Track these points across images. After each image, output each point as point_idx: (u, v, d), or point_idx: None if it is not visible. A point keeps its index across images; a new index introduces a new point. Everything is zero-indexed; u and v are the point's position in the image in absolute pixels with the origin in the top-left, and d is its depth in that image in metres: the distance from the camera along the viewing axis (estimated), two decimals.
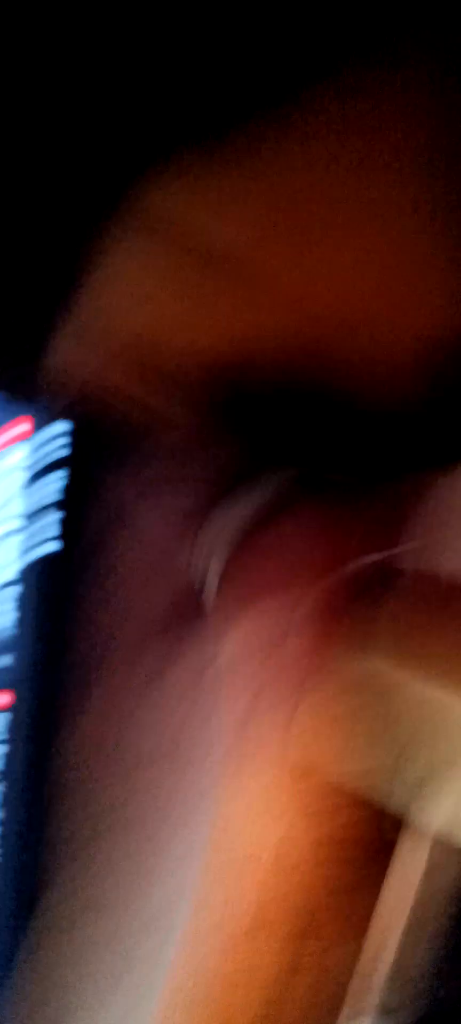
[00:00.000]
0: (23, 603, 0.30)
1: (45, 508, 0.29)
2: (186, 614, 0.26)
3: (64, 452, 0.28)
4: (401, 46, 0.18)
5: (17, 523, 0.30)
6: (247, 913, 0.22)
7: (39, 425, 0.29)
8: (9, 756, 0.30)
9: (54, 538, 0.29)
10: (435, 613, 0.21)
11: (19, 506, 0.30)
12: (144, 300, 0.21)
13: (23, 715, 0.30)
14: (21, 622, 0.30)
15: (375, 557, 0.22)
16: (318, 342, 0.20)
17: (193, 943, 0.23)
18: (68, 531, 0.28)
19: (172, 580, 0.26)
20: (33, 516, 0.29)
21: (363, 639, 0.21)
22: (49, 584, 0.29)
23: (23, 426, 0.30)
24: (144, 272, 0.21)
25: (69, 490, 0.28)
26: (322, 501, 0.22)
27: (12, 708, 0.30)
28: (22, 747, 0.30)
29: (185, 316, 0.21)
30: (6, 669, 0.30)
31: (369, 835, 0.22)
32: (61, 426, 0.28)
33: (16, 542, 0.30)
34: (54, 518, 0.29)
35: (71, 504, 0.28)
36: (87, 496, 0.28)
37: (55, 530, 0.29)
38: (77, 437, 0.28)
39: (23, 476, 0.30)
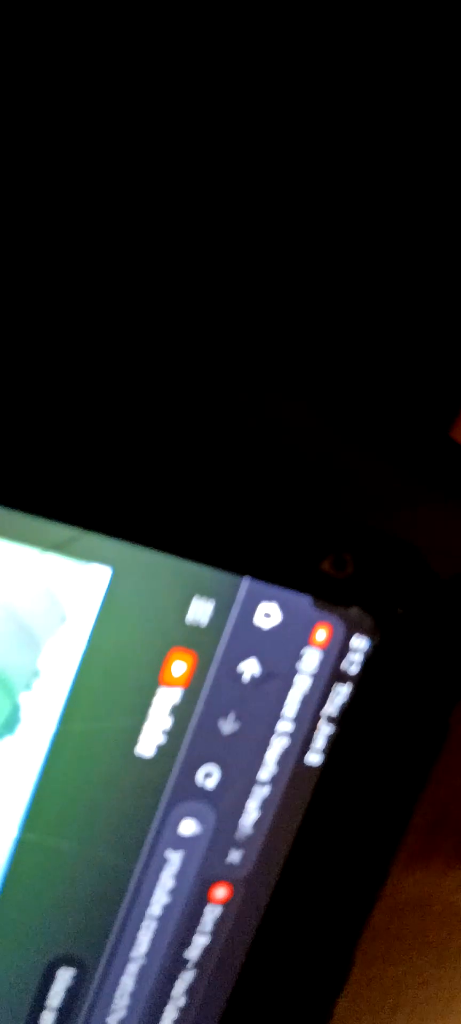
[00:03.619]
0: (267, 806, 0.28)
1: (320, 719, 0.29)
2: None
3: (355, 669, 0.29)
4: None
5: (289, 727, 0.28)
6: None
7: (338, 636, 0.28)
8: (208, 950, 0.29)
9: (319, 751, 0.29)
10: None
11: (295, 710, 0.28)
12: None
13: (234, 915, 0.29)
14: (259, 824, 0.28)
15: None
16: None
17: None
18: (334, 748, 0.29)
19: None
20: (305, 724, 0.28)
21: None
22: (299, 794, 0.29)
23: (322, 632, 0.28)
24: None
25: (347, 708, 0.29)
26: None
27: (226, 904, 0.29)
28: (223, 945, 0.29)
29: None
30: (232, 865, 0.28)
31: None
32: (360, 642, 0.29)
33: (281, 745, 0.28)
34: (325, 731, 0.29)
35: (345, 722, 0.29)
36: (366, 716, 0.30)
37: (322, 743, 0.29)
38: (372, 657, 0.29)
39: (308, 682, 0.28)
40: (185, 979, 0.29)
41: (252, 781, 0.28)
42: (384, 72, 0.26)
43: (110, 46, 0.23)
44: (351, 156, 0.27)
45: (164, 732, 0.26)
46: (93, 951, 0.28)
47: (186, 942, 0.29)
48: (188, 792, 0.27)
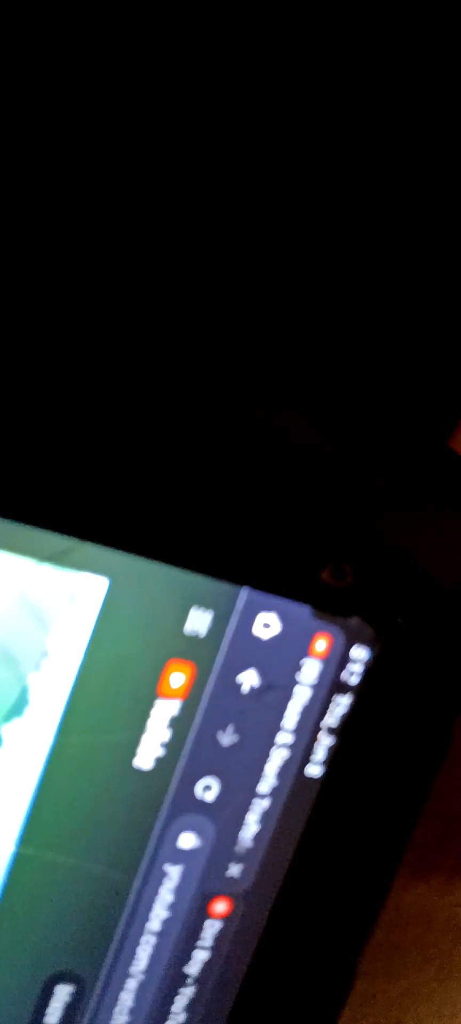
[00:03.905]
0: (267, 819, 0.28)
1: (320, 730, 0.28)
2: None
3: (355, 680, 0.29)
4: None
5: (289, 738, 0.28)
6: None
7: (338, 646, 0.28)
8: (208, 965, 0.28)
9: (319, 763, 0.29)
10: None
11: (295, 722, 0.28)
12: None
13: (234, 929, 0.29)
14: (259, 837, 0.28)
15: None
16: None
17: None
18: (335, 760, 0.29)
19: None
20: (306, 735, 0.28)
21: None
22: (299, 806, 0.29)
23: (322, 643, 0.27)
24: None
25: (348, 719, 0.29)
26: None
27: (226, 919, 0.28)
28: (223, 960, 0.29)
29: None
30: (232, 879, 0.28)
31: None
32: (360, 652, 0.28)
33: (281, 757, 0.28)
34: (326, 743, 0.28)
35: (346, 734, 0.29)
36: (367, 728, 0.29)
37: (322, 755, 0.29)
38: (373, 667, 0.29)
39: (308, 693, 0.28)
40: (185, 995, 0.29)
41: (252, 794, 0.27)
42: (383, 83, 0.26)
43: (110, 46, 0.23)
44: (348, 168, 0.27)
45: (163, 744, 0.26)
46: (92, 967, 0.27)
47: (186, 957, 0.28)
48: (187, 805, 0.27)
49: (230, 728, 0.27)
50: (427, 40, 0.25)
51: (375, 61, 0.26)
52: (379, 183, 0.27)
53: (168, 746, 0.26)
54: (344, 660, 0.28)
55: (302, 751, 0.28)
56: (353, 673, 0.28)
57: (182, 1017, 0.29)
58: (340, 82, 0.25)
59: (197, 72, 0.24)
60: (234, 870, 0.28)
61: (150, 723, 0.26)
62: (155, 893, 0.27)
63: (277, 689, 0.27)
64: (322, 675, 0.27)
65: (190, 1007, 0.29)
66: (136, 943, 0.27)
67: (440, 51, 0.26)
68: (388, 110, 0.26)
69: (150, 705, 0.26)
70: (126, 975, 0.28)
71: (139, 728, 0.26)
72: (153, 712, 0.26)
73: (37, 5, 0.22)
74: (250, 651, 0.26)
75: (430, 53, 0.25)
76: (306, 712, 0.27)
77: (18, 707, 0.24)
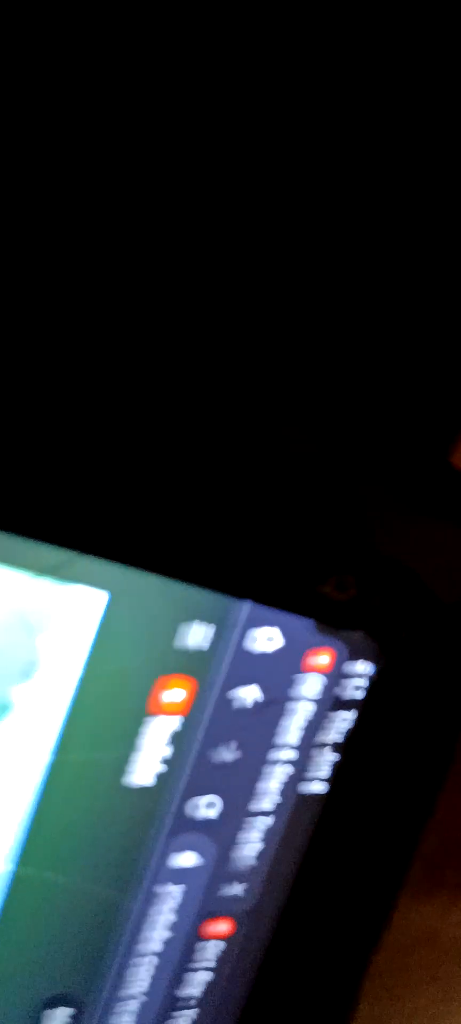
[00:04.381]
0: (269, 837, 0.28)
1: (322, 746, 0.28)
2: None
3: (358, 694, 0.28)
4: None
5: (291, 754, 0.27)
6: None
7: (341, 661, 0.27)
8: (210, 986, 0.28)
9: (322, 779, 0.28)
10: None
11: (297, 738, 0.27)
12: None
13: (236, 949, 0.28)
14: (262, 855, 0.28)
15: None
16: None
17: None
18: (338, 776, 0.28)
19: None
20: (308, 751, 0.28)
21: None
22: (302, 823, 0.28)
23: (324, 657, 0.27)
24: None
25: (351, 735, 0.28)
26: None
27: (228, 939, 0.28)
28: (225, 981, 0.28)
29: None
30: (234, 898, 0.27)
31: None
32: (363, 666, 0.28)
33: (283, 773, 0.27)
34: (328, 759, 0.28)
35: (349, 750, 0.29)
36: (370, 743, 0.29)
37: (325, 772, 0.28)
38: (376, 682, 0.29)
39: (311, 708, 0.27)
40: (186, 1017, 0.28)
41: (253, 811, 0.27)
42: (382, 92, 0.26)
43: (110, 46, 0.23)
44: (347, 179, 0.26)
45: (163, 761, 0.26)
46: (91, 989, 0.27)
47: (187, 978, 0.28)
48: (188, 823, 0.26)
49: (232, 744, 0.26)
50: (427, 40, 0.25)
51: (374, 68, 0.25)
52: (376, 203, 0.27)
53: (169, 762, 0.26)
54: (347, 675, 0.27)
55: (304, 767, 0.27)
56: (356, 688, 0.27)
57: None
58: (338, 93, 0.25)
59: (197, 75, 0.24)
60: (236, 889, 0.27)
61: (150, 739, 0.25)
62: (155, 913, 0.27)
63: (279, 704, 0.26)
64: (325, 690, 0.27)
65: None
66: (136, 964, 0.27)
67: (440, 52, 0.25)
68: (384, 127, 0.26)
69: (151, 721, 0.25)
70: (126, 997, 0.27)
71: (139, 745, 0.25)
72: (153, 728, 0.25)
73: (37, 5, 0.22)
74: (252, 666, 0.26)
75: (430, 54, 0.25)
76: (308, 728, 0.27)
77: (14, 722, 0.24)
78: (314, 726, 0.27)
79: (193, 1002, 0.28)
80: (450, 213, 0.28)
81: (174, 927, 0.27)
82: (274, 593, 0.26)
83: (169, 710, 0.25)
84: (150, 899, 0.27)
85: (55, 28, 0.22)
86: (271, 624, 0.26)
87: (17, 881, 0.25)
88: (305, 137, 0.25)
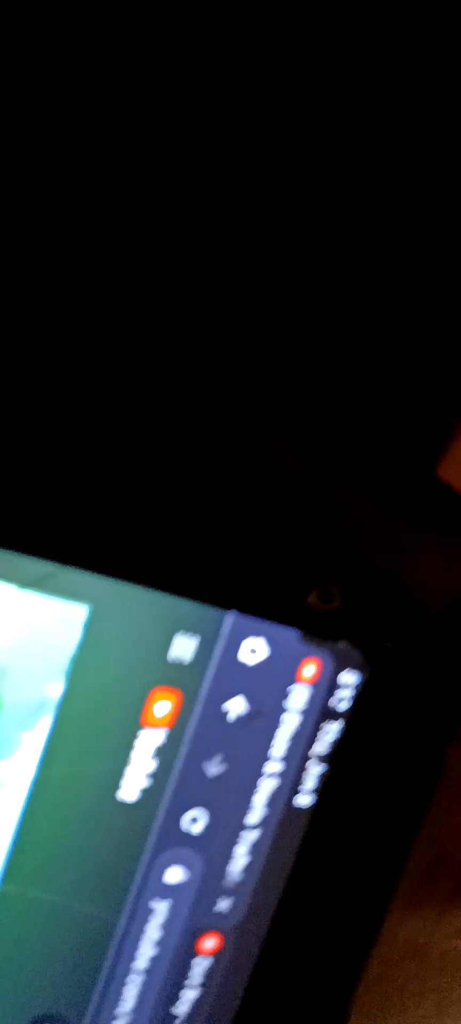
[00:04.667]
0: (256, 851, 0.27)
1: (310, 758, 0.28)
2: None
3: (345, 705, 0.28)
4: None
5: (278, 766, 0.27)
6: None
7: (327, 672, 0.27)
8: (198, 1003, 0.28)
9: (309, 792, 0.28)
10: None
11: (284, 750, 0.27)
12: None
13: (225, 966, 0.28)
14: (249, 870, 0.27)
15: None
16: None
17: None
18: (325, 788, 0.28)
19: None
20: (295, 763, 0.27)
21: None
22: (289, 837, 0.28)
23: (310, 668, 0.27)
24: None
25: (338, 746, 0.28)
26: None
27: (216, 955, 0.27)
28: (213, 998, 0.28)
29: None
30: (222, 913, 0.27)
31: None
32: (349, 677, 0.28)
33: (270, 786, 0.27)
34: (315, 771, 0.28)
35: (336, 761, 0.28)
36: (357, 755, 0.29)
37: (312, 784, 0.28)
38: (362, 693, 0.28)
39: (297, 720, 0.27)
40: None
41: (241, 825, 0.27)
42: (381, 96, 0.26)
43: (110, 46, 0.23)
44: (341, 190, 0.26)
45: (148, 775, 0.25)
46: (77, 1008, 0.26)
47: (175, 996, 0.27)
48: (174, 838, 0.26)
49: (217, 757, 0.26)
50: (427, 41, 0.25)
51: (374, 69, 0.25)
52: (368, 211, 0.27)
53: (154, 777, 0.25)
54: (333, 686, 0.27)
55: (291, 780, 0.27)
56: (342, 699, 0.27)
57: None
58: (335, 89, 0.25)
59: (195, 76, 0.24)
60: (223, 904, 0.27)
61: (135, 753, 0.25)
62: (142, 930, 0.26)
63: (265, 716, 0.26)
64: (311, 701, 0.27)
65: None
66: (123, 982, 0.27)
67: (440, 52, 0.25)
68: (379, 124, 0.26)
69: (135, 735, 0.25)
70: (113, 1016, 0.27)
71: (124, 759, 0.25)
72: (138, 742, 0.25)
73: (37, 5, 0.22)
74: (237, 677, 0.25)
75: (430, 54, 0.25)
76: (295, 739, 0.27)
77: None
78: (301, 738, 0.27)
79: (181, 1020, 0.28)
80: (440, 224, 0.28)
81: (161, 944, 0.27)
82: (259, 603, 0.25)
83: (155, 723, 0.25)
84: (136, 916, 0.26)
85: (55, 28, 0.22)
86: (256, 635, 0.25)
87: (1, 899, 0.25)
88: (291, 127, 0.25)
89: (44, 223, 0.24)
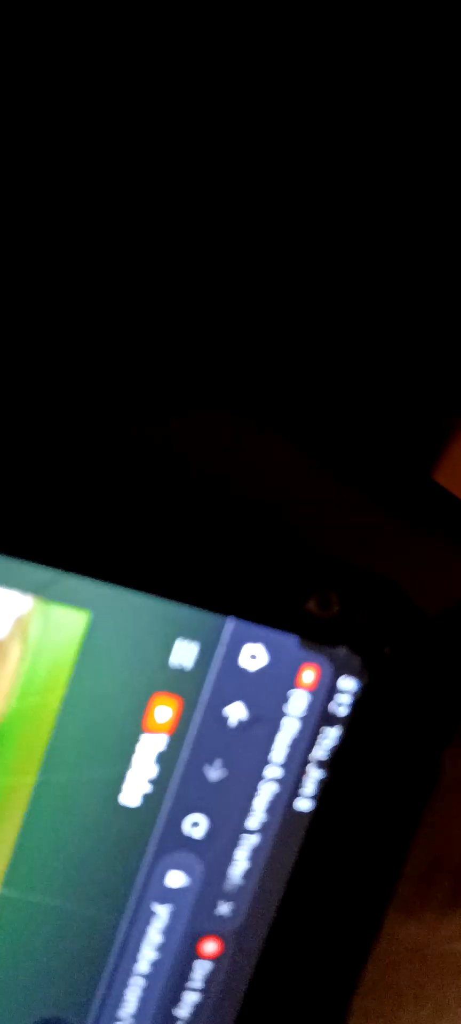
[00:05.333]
0: (257, 855, 0.27)
1: (309, 763, 0.28)
2: None
3: (343, 711, 0.28)
4: None
5: (278, 772, 0.27)
6: None
7: (326, 677, 0.27)
8: (198, 1007, 0.28)
9: (308, 796, 0.28)
10: None
11: (284, 755, 0.27)
12: None
13: (225, 970, 0.28)
14: (249, 874, 0.27)
15: None
16: None
17: None
18: (325, 793, 0.28)
19: None
20: (294, 768, 0.27)
21: None
22: (289, 842, 0.28)
23: (309, 674, 0.27)
24: None
25: (337, 752, 0.28)
26: None
27: (217, 959, 0.28)
28: (213, 1002, 0.28)
29: None
30: (222, 917, 0.27)
31: None
32: (348, 683, 0.28)
33: (270, 791, 0.27)
34: (315, 776, 0.28)
35: (335, 766, 0.28)
36: (356, 760, 0.29)
37: (312, 789, 0.28)
38: (361, 698, 0.29)
39: (297, 725, 0.27)
40: None
41: (241, 830, 0.27)
42: (380, 98, 0.26)
43: (110, 45, 0.23)
44: (336, 195, 0.27)
45: (149, 781, 0.25)
46: (78, 1013, 0.26)
47: (176, 1000, 0.27)
48: (175, 843, 0.26)
49: (218, 762, 0.26)
50: (427, 41, 0.25)
51: (374, 69, 0.25)
52: (363, 214, 0.27)
53: (155, 782, 0.25)
54: (332, 691, 0.27)
55: (291, 785, 0.27)
56: (341, 704, 0.27)
57: None
58: (335, 88, 0.25)
59: (194, 76, 0.24)
60: (224, 908, 0.27)
61: (136, 759, 0.25)
62: (143, 934, 0.27)
63: (265, 722, 0.26)
64: (310, 707, 0.27)
65: None
66: (124, 986, 0.27)
67: (440, 52, 0.25)
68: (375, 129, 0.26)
69: (136, 740, 0.25)
70: (115, 1019, 0.27)
71: (125, 764, 0.25)
72: (139, 747, 0.25)
73: (37, 5, 0.22)
74: (237, 683, 0.26)
75: (430, 54, 0.25)
76: (295, 745, 0.27)
77: None
78: (300, 743, 0.27)
79: (183, 1022, 0.28)
80: (436, 230, 0.28)
81: (162, 947, 0.27)
82: (258, 609, 0.26)
83: (156, 728, 0.25)
84: (138, 919, 0.26)
85: (55, 27, 0.22)
86: (255, 641, 0.26)
87: (2, 903, 0.25)
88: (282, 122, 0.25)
89: (44, 222, 0.24)
